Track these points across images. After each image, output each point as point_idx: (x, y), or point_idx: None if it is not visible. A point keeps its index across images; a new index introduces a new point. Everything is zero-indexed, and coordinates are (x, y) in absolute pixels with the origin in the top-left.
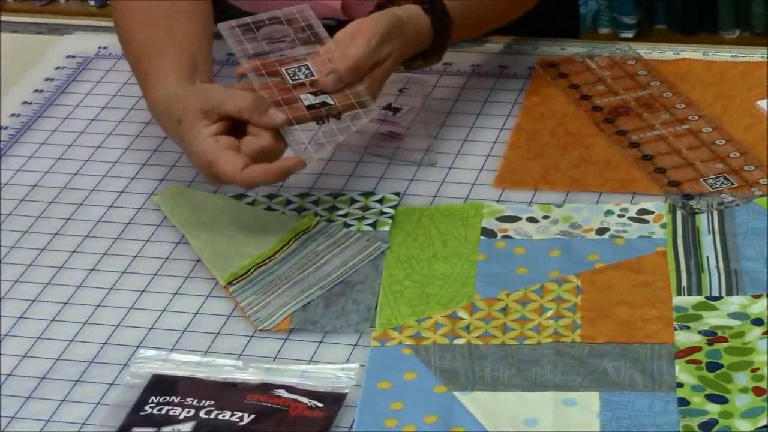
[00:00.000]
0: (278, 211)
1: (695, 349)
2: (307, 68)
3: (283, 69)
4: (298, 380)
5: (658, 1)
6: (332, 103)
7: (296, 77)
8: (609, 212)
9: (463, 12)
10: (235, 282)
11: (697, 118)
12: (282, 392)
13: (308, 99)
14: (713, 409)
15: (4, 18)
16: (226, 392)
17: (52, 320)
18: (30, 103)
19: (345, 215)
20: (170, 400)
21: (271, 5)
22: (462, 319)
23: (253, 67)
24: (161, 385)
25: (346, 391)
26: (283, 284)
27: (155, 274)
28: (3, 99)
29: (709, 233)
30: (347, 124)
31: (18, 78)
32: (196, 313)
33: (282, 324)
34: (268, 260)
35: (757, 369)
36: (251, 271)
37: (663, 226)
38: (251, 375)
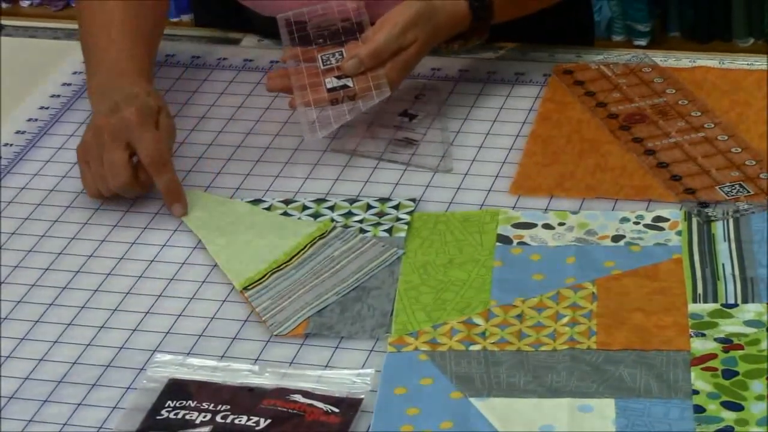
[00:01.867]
0: (294, 216)
1: (711, 356)
2: (341, 54)
3: (319, 55)
4: (314, 385)
5: (672, 8)
6: (351, 86)
7: (328, 62)
8: (625, 219)
9: None
10: (251, 287)
11: (713, 125)
12: (298, 397)
13: (332, 82)
14: (729, 416)
15: (21, 23)
16: (242, 397)
17: (68, 324)
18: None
19: (361, 221)
20: (186, 404)
21: (284, 5)
22: (478, 325)
23: (293, 54)
24: (178, 389)
25: (362, 396)
26: (299, 289)
27: (172, 279)
28: (19, 104)
29: (725, 241)
30: (357, 104)
31: (35, 83)
32: (213, 318)
33: (297, 329)
34: (284, 265)
35: None
36: (267, 276)
37: (679, 233)
38: (267, 380)
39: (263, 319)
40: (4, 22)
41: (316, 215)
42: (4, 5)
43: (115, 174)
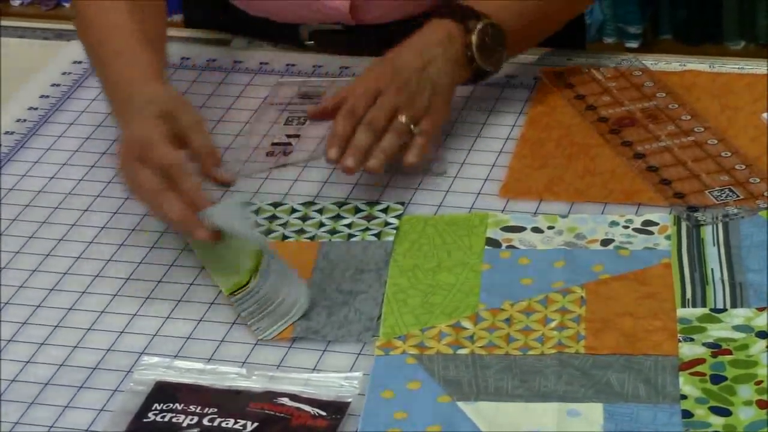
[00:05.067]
0: (282, 219)
1: (699, 361)
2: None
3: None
4: (301, 388)
5: (664, 11)
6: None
7: (290, 122)
8: (614, 223)
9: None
10: (237, 291)
11: (702, 129)
12: (285, 400)
13: (281, 138)
14: (717, 421)
15: (10, 23)
16: (229, 400)
17: (56, 326)
18: (36, 109)
19: (349, 225)
20: (173, 407)
21: (274, 6)
22: (466, 329)
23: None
24: (165, 392)
25: (350, 399)
26: (283, 294)
27: (159, 281)
28: (8, 104)
29: (714, 245)
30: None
31: (24, 83)
32: (200, 321)
33: (284, 333)
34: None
35: (761, 382)
36: (252, 280)
37: (668, 237)
38: (255, 383)
39: (248, 324)
40: None
41: (304, 218)
42: None
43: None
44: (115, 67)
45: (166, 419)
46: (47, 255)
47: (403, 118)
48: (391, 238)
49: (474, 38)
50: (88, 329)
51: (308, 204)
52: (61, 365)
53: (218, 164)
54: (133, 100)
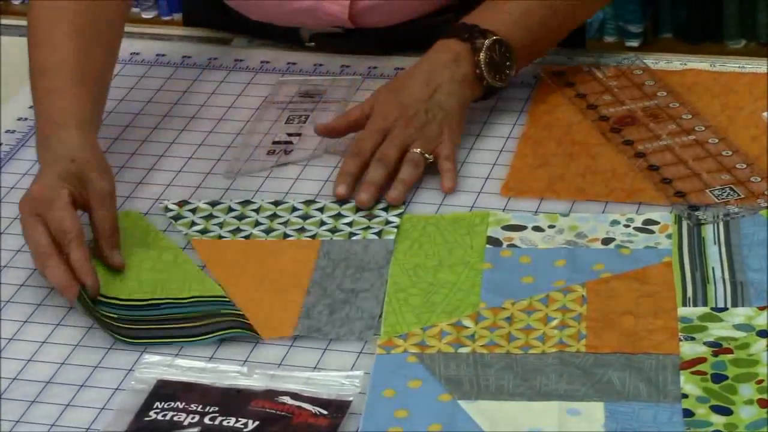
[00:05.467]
0: (283, 218)
1: (700, 360)
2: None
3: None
4: (302, 387)
5: (664, 10)
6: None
7: (291, 121)
8: (615, 222)
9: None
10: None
11: (703, 128)
12: (287, 399)
13: (280, 137)
14: (718, 420)
15: (11, 22)
16: (230, 398)
17: (57, 325)
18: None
19: (350, 223)
20: (175, 405)
21: (274, 12)
22: (467, 327)
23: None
24: (166, 390)
25: (351, 398)
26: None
27: None
28: (9, 103)
29: (715, 244)
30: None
31: (24, 82)
32: None
33: (286, 330)
34: None
35: (762, 381)
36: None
37: (669, 236)
38: (256, 381)
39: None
40: None
41: (305, 217)
42: None
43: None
44: (44, 105)
45: (167, 418)
46: None
47: (416, 150)
48: (392, 237)
49: (482, 56)
50: (90, 327)
51: (309, 202)
52: (62, 364)
53: (114, 246)
54: (50, 144)
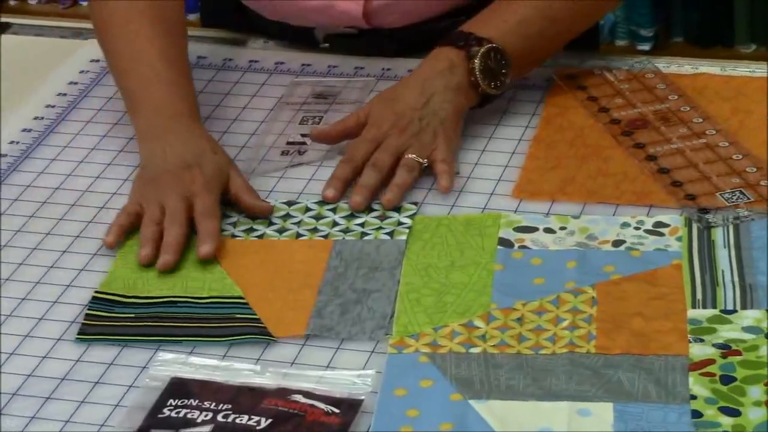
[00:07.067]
0: (296, 218)
1: (709, 361)
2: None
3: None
4: (315, 386)
5: (676, 14)
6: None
7: (305, 122)
8: (625, 224)
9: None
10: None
11: (714, 132)
12: (299, 397)
13: (294, 137)
14: (726, 421)
15: (28, 21)
16: (243, 396)
17: (72, 322)
18: (53, 107)
19: (363, 224)
20: (188, 403)
21: (290, 10)
22: (478, 328)
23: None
24: (180, 388)
25: (363, 397)
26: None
27: None
28: (26, 102)
29: (725, 247)
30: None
31: (41, 81)
32: None
33: (298, 329)
34: None
35: None
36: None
37: (679, 239)
38: (269, 380)
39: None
40: (11, 20)
41: (318, 217)
42: (11, 2)
43: (174, 222)
44: (145, 93)
45: (181, 415)
46: (64, 251)
47: (411, 155)
48: (404, 238)
49: (477, 63)
50: None
51: (322, 203)
52: (77, 361)
53: (258, 197)
54: (167, 140)
